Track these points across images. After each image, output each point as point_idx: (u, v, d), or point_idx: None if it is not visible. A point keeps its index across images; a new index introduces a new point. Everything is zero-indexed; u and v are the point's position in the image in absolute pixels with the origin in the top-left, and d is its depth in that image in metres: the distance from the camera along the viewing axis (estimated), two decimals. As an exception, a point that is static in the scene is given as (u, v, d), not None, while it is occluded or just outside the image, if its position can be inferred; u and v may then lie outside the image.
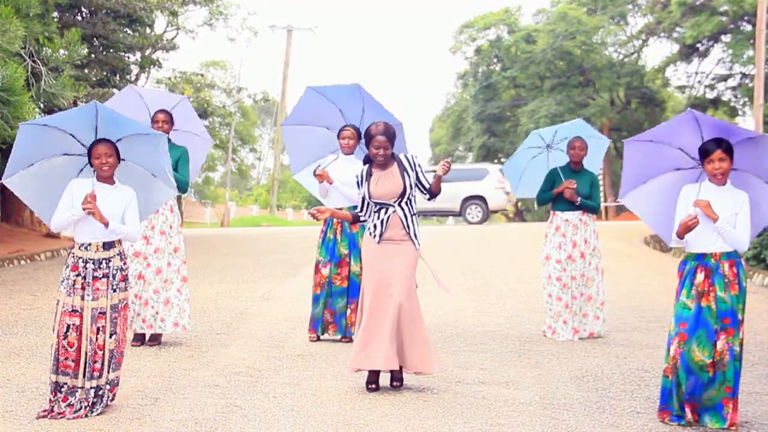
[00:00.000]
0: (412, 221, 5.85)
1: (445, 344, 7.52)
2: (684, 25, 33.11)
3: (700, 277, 5.09)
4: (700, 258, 5.13)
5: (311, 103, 7.91)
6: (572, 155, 8.05)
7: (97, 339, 5.16)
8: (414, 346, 5.79)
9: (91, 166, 5.27)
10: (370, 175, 5.85)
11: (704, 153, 5.10)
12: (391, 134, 5.78)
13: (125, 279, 5.33)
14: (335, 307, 7.60)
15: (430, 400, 5.58)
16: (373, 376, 5.87)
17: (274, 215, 40.41)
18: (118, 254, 5.30)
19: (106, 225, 5.15)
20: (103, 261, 5.24)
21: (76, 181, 5.30)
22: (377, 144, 5.76)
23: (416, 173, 5.83)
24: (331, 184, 7.46)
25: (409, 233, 5.81)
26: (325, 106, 7.87)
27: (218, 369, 6.47)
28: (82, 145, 5.33)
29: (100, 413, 5.14)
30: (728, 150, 5.05)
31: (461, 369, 6.53)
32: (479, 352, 7.25)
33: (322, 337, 7.65)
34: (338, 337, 7.62)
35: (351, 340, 7.48)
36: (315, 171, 7.51)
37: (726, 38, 32.91)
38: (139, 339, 7.37)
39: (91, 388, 5.16)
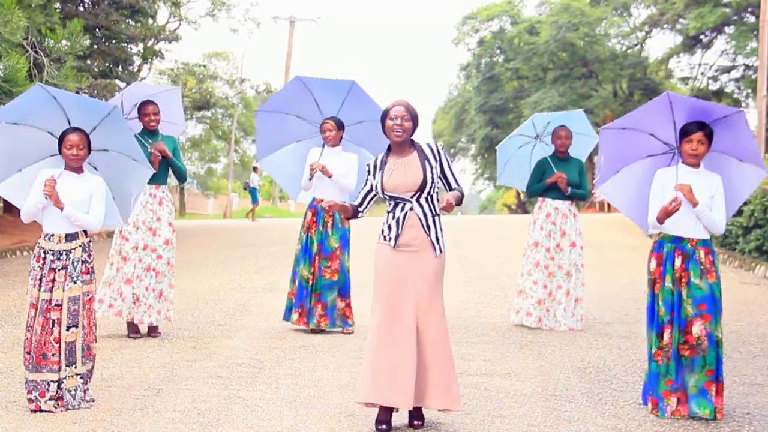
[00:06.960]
0: (434, 221, 4.80)
1: (448, 335, 7.52)
2: (687, 16, 33.00)
3: (677, 262, 5.11)
4: (677, 241, 5.14)
5: (292, 93, 7.90)
6: (558, 145, 8.01)
7: (52, 331, 5.06)
8: (439, 379, 4.75)
9: (60, 153, 5.18)
10: (385, 164, 4.88)
11: (685, 133, 5.10)
12: (411, 109, 4.84)
13: (89, 272, 5.20)
14: (326, 300, 7.55)
15: (432, 392, 5.57)
16: (386, 415, 4.80)
17: (276, 206, 40.45)
18: (80, 246, 5.18)
19: (62, 209, 5.06)
20: (64, 252, 5.13)
21: (46, 170, 5.21)
22: (393, 114, 4.79)
23: (441, 164, 4.84)
24: (330, 177, 7.48)
25: (429, 236, 4.76)
26: (303, 96, 7.85)
27: (220, 360, 6.49)
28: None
29: (82, 407, 5.09)
30: (709, 135, 5.07)
31: (464, 360, 6.54)
32: (481, 343, 7.25)
33: (302, 327, 7.63)
34: (330, 329, 7.60)
35: (352, 332, 7.56)
36: (312, 166, 7.49)
37: (729, 30, 32.79)
38: (136, 330, 7.30)
39: (44, 380, 5.04)
